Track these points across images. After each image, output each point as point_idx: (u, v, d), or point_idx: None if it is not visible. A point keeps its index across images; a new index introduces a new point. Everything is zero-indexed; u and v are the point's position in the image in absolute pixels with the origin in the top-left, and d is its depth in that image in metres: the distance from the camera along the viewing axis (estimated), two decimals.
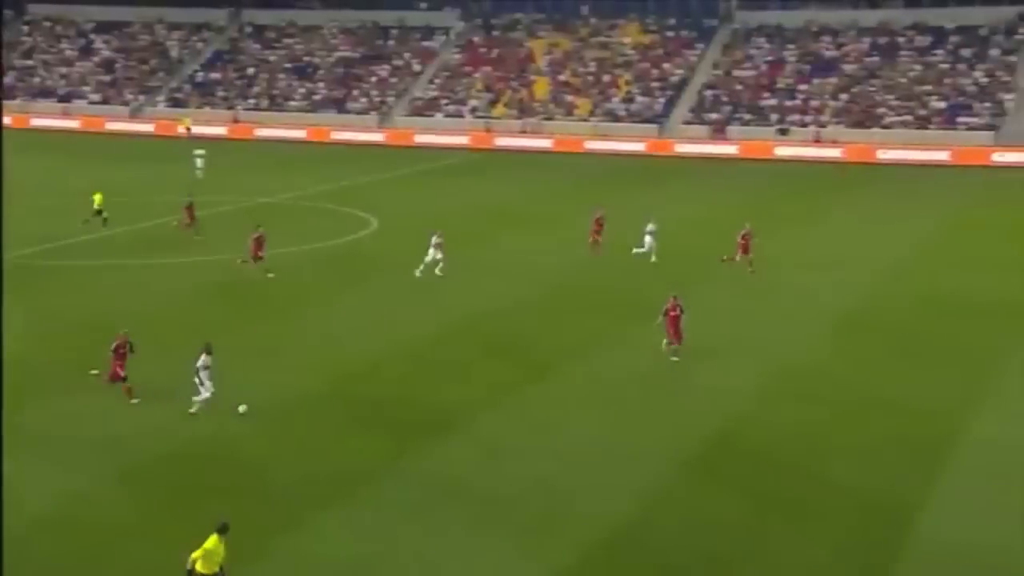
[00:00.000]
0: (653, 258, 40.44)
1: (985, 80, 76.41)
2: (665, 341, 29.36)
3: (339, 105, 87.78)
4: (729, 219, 50.48)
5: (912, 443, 23.98)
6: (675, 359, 29.16)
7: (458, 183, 64.06)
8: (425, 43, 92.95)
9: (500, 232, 47.26)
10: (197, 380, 24.56)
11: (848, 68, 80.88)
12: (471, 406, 25.87)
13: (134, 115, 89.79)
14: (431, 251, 38.36)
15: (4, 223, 31.29)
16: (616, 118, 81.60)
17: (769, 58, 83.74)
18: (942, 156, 69.98)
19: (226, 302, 35.30)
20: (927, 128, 74.15)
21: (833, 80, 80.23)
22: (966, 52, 78.83)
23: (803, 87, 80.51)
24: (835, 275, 38.94)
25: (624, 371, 28.67)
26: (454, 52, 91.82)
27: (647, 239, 40.80)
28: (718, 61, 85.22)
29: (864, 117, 76.20)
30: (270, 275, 37.70)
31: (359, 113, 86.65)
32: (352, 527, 19.92)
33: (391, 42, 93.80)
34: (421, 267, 38.23)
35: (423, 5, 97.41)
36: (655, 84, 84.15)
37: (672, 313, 29.09)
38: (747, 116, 79.03)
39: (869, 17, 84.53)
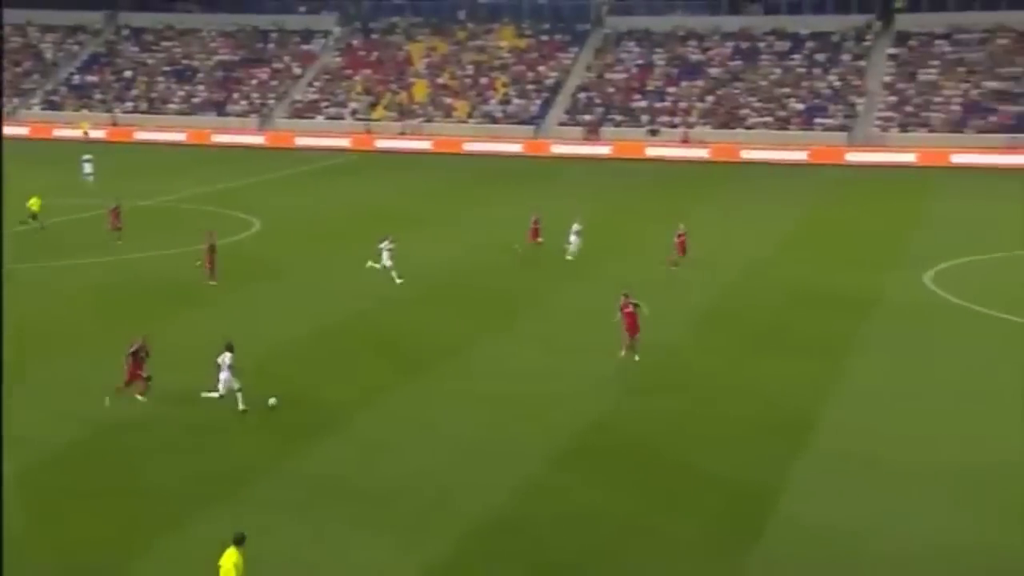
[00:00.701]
0: (568, 256, 40.64)
1: (838, 84, 78.88)
2: (624, 348, 28.74)
3: (219, 108, 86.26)
4: (605, 217, 51.32)
5: (773, 429, 24.68)
6: (637, 359, 28.65)
7: (339, 184, 63.64)
8: (304, 46, 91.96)
9: (380, 232, 47.02)
10: (227, 378, 24.66)
11: (713, 72, 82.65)
12: (350, 405, 25.77)
13: (8, 118, 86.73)
14: (384, 256, 37.38)
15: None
16: (494, 120, 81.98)
17: (639, 62, 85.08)
18: (801, 156, 72.04)
19: (109, 304, 34.48)
20: (787, 129, 76.23)
21: (699, 83, 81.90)
22: (820, 57, 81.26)
23: (672, 90, 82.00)
24: (701, 271, 39.73)
25: (498, 367, 28.87)
26: (334, 55, 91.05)
27: (573, 238, 40.92)
28: (591, 64, 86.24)
29: (729, 118, 77.98)
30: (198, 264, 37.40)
31: (239, 116, 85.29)
32: (233, 527, 19.68)
33: (271, 45, 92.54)
34: (374, 264, 37.54)
35: (301, 9, 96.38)
36: (531, 86, 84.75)
37: (626, 310, 28.92)
38: (619, 117, 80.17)
39: (731, 23, 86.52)
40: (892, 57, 79.83)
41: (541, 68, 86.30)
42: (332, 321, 33.04)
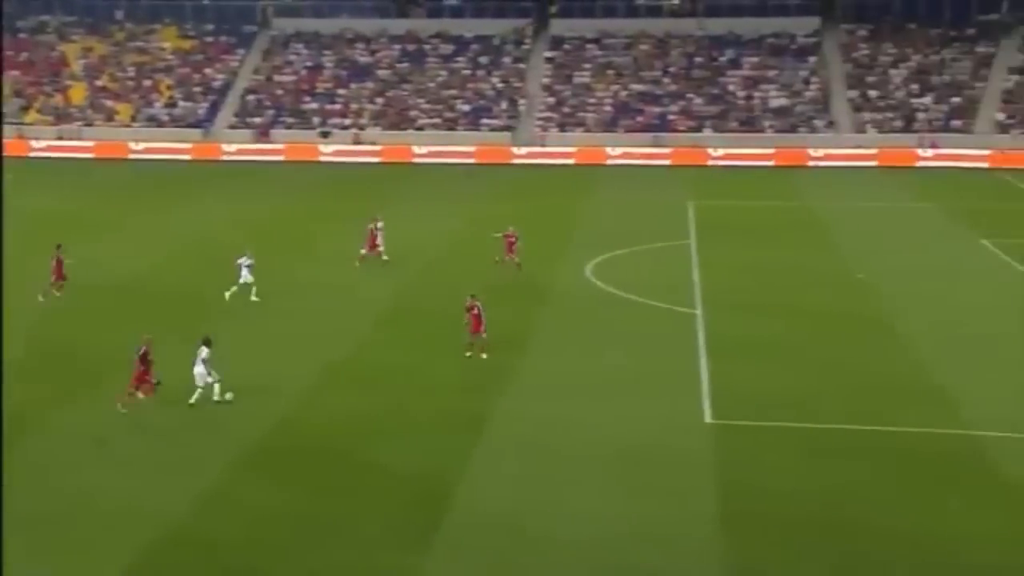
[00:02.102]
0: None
1: (501, 85, 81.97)
2: (469, 347, 29.31)
3: None
4: (282, 220, 50.84)
5: (452, 421, 25.56)
6: (484, 356, 29.36)
7: None
8: None
9: (41, 241, 44.32)
10: (203, 372, 25.56)
11: (382, 74, 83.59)
12: (13, 425, 24.31)
13: None
14: (244, 273, 35.36)
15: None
16: (160, 123, 79.04)
17: (308, 64, 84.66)
18: (469, 156, 74.30)
19: None
20: (455, 130, 78.38)
21: (369, 85, 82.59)
22: (484, 60, 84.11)
23: (342, 91, 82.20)
24: (382, 269, 40.22)
25: (176, 375, 28.11)
26: None
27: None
28: (259, 67, 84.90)
29: (399, 119, 79.15)
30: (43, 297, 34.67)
31: None
32: None
33: None
34: (233, 289, 35.29)
35: None
36: (197, 89, 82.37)
37: (473, 312, 29.49)
38: (290, 120, 79.47)
39: (398, 26, 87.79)
40: (549, 60, 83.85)
41: (207, 70, 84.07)
42: None
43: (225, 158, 74.42)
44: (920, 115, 75.08)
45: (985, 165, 68.97)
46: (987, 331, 32.83)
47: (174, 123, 79.14)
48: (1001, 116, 74.18)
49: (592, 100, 79.83)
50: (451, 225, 50.84)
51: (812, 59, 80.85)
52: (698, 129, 76.32)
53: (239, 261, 35.98)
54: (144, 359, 25.61)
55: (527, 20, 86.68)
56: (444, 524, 20.54)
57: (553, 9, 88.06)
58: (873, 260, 42.37)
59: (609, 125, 77.54)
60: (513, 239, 39.84)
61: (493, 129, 78.19)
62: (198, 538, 19.73)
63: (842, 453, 23.67)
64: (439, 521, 20.62)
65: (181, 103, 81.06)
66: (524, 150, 74.78)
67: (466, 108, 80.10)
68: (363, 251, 40.90)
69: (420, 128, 78.58)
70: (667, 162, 71.99)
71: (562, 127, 77.75)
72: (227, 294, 35.46)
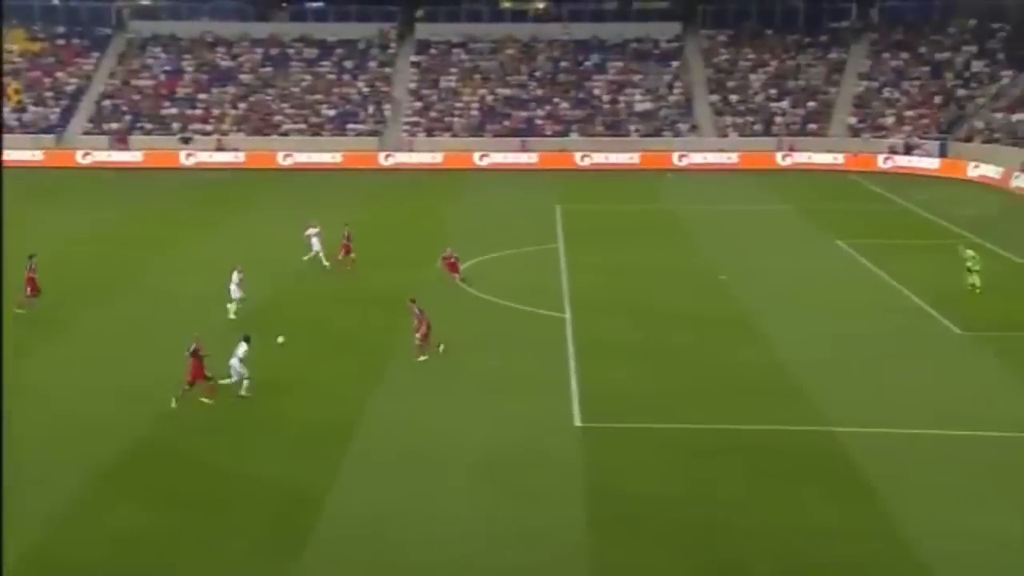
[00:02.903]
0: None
1: (367, 90, 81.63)
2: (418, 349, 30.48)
3: None
4: (143, 227, 49.62)
5: (321, 429, 25.42)
6: (441, 348, 30.55)
7: None
8: None
9: None
10: (237, 366, 26.75)
11: (244, 78, 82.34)
12: None
13: None
14: (233, 288, 34.52)
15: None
16: (9, 129, 76.18)
17: (167, 68, 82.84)
18: (336, 160, 73.74)
19: None
20: (320, 135, 77.72)
21: (231, 89, 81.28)
22: (349, 64, 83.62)
23: (203, 96, 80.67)
24: (245, 276, 39.51)
25: (42, 385, 27.28)
26: None
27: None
28: (115, 71, 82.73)
29: (263, 125, 78.11)
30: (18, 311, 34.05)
31: None
32: None
33: None
34: (234, 307, 34.37)
35: None
36: (49, 94, 79.83)
37: (415, 314, 30.71)
38: (149, 125, 77.68)
39: (260, 29, 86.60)
40: (415, 64, 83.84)
41: (60, 74, 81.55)
42: None
43: (80, 164, 72.25)
44: (778, 119, 77.61)
45: (839, 167, 71.67)
46: (843, 330, 34.14)
47: (24, 129, 76.50)
48: (853, 120, 77.23)
49: (459, 104, 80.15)
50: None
51: (675, 64, 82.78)
52: (565, 133, 77.37)
53: (233, 276, 35.14)
54: (196, 356, 26.49)
55: (392, 24, 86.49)
56: (314, 534, 20.42)
57: (418, 13, 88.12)
58: (735, 261, 43.61)
59: (476, 129, 77.96)
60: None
61: (360, 134, 77.82)
62: (52, 562, 19.16)
63: (707, 453, 24.33)
64: (309, 531, 20.49)
65: (32, 108, 78.42)
66: (391, 155, 74.59)
67: (332, 113, 79.53)
68: (339, 256, 41.61)
69: (285, 133, 77.69)
70: (535, 166, 72.74)
71: (429, 132, 77.86)
72: (231, 310, 34.46)
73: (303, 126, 78.37)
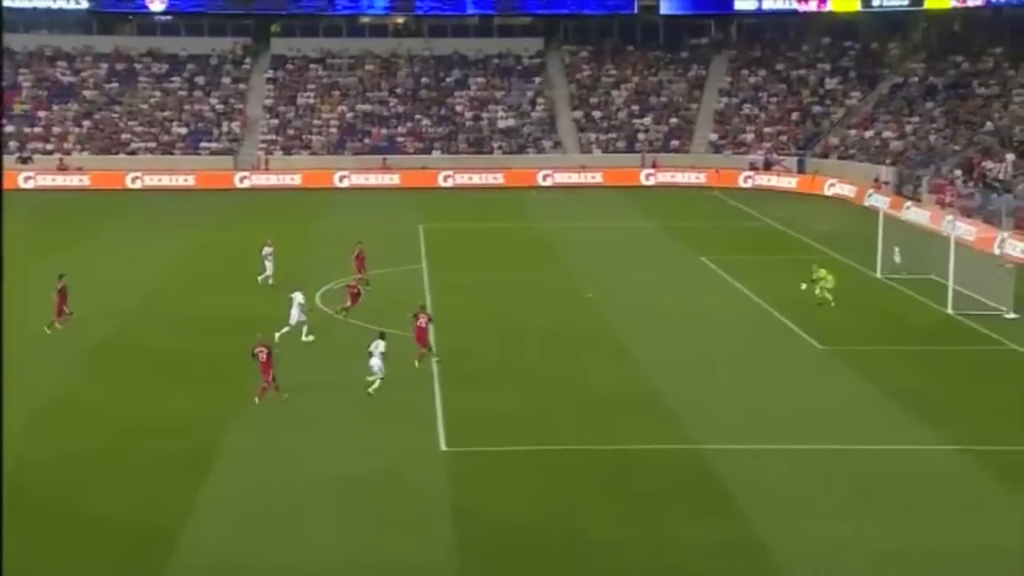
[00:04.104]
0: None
1: (221, 107, 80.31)
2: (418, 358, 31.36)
3: None
4: None
5: (175, 460, 24.84)
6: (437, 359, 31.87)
7: None
8: None
9: None
10: (376, 363, 28.80)
11: (88, 94, 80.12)
12: None
13: None
14: (294, 312, 34.55)
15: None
16: None
17: (2, 82, 79.91)
18: (188, 181, 72.24)
19: None
20: (172, 153, 76.09)
21: (74, 106, 78.98)
22: (201, 80, 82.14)
23: (43, 113, 78.22)
24: (98, 305, 38.37)
25: None
26: None
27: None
28: None
29: (109, 143, 76.11)
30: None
31: None
32: None
33: None
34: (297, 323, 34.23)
35: None
36: None
37: (419, 324, 31.69)
38: None
39: (104, 43, 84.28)
40: (271, 80, 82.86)
41: None
42: None
43: None
44: (641, 135, 79.29)
45: (701, 183, 73.58)
46: (709, 347, 35.01)
47: None
48: (714, 136, 79.46)
49: (318, 122, 79.55)
50: (173, 254, 49.37)
51: (537, 80, 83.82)
52: (427, 151, 77.49)
53: (293, 295, 35.16)
54: (260, 356, 28.33)
55: (246, 39, 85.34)
56: (167, 572, 19.89)
57: (274, 27, 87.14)
58: (601, 279, 44.31)
59: (336, 147, 77.44)
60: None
61: (213, 152, 76.48)
62: None
63: (573, 473, 24.62)
64: (161, 569, 19.96)
65: None
66: (247, 175, 73.46)
67: (183, 131, 77.98)
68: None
69: (133, 152, 75.84)
70: (397, 184, 72.62)
71: (287, 150, 77.02)
72: (276, 336, 33.38)
73: (153, 144, 76.63)
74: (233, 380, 30.60)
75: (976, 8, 78.77)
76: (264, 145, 77.16)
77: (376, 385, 29.01)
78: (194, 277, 45.22)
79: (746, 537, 21.70)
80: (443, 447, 26.20)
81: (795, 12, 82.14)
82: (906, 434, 27.27)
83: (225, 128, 78.48)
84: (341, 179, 72.97)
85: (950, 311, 38.85)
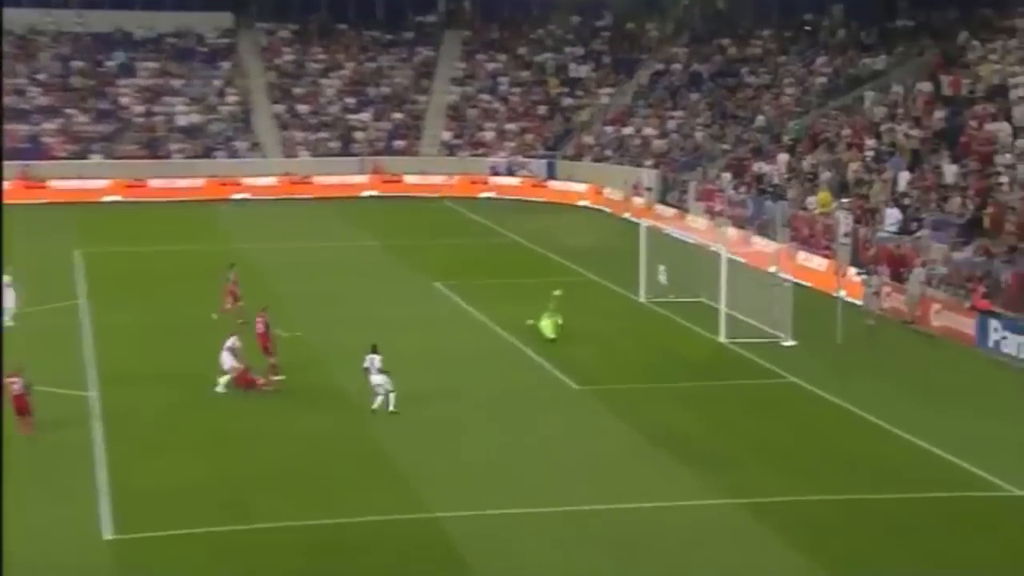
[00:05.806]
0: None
1: None
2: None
3: None
4: None
5: None
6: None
7: None
8: None
9: None
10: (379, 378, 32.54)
11: None
12: None
13: None
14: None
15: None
16: None
17: None
18: None
19: None
20: None
21: None
22: None
23: None
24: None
25: None
26: None
27: None
28: None
29: None
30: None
31: None
32: None
33: None
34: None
35: None
36: None
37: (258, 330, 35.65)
38: None
39: None
40: None
41: None
42: None
43: None
44: (359, 134, 79.67)
45: (433, 191, 74.60)
46: (446, 393, 35.30)
47: None
48: (447, 135, 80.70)
49: None
50: None
51: (226, 65, 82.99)
52: (83, 155, 75.12)
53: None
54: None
55: None
56: None
57: None
58: (313, 313, 44.15)
59: None
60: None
61: None
62: None
63: (287, 556, 24.33)
64: None
65: None
66: None
67: None
68: (227, 306, 42.54)
69: None
70: (43, 200, 70.11)
71: None
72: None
73: None
74: None
75: None
76: None
77: (393, 401, 32.44)
78: None
79: None
80: (108, 535, 25.39)
81: None
82: (675, 487, 28.40)
83: None
84: None
85: (723, 339, 40.91)
